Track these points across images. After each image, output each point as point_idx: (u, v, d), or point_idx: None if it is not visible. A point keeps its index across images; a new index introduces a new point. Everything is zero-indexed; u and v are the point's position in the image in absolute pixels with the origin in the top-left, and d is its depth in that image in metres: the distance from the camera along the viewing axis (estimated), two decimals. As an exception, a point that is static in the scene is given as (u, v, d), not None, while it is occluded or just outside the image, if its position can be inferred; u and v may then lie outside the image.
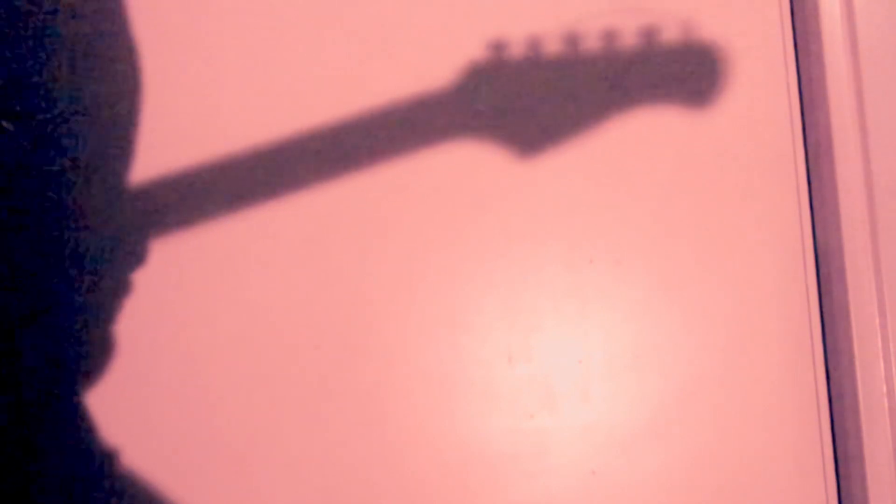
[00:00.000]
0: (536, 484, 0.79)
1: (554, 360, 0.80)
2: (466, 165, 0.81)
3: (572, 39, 0.80)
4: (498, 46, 0.81)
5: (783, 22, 0.83)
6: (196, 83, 0.81)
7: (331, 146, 0.81)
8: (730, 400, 0.80)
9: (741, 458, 0.79)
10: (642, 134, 0.81)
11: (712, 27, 0.82)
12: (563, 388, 0.80)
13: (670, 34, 0.81)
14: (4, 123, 0.81)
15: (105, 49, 0.81)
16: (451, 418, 0.79)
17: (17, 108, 0.80)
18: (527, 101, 0.81)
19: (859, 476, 0.77)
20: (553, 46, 0.81)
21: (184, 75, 0.81)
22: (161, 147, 0.81)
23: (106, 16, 0.81)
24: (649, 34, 0.81)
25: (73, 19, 0.81)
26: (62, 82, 0.81)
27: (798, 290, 0.81)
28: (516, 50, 0.81)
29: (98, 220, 0.80)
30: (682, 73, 0.81)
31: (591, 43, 0.81)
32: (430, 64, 0.81)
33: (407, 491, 0.79)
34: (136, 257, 0.80)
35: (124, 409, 0.79)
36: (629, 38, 0.81)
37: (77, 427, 0.78)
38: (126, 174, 0.81)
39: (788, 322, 0.80)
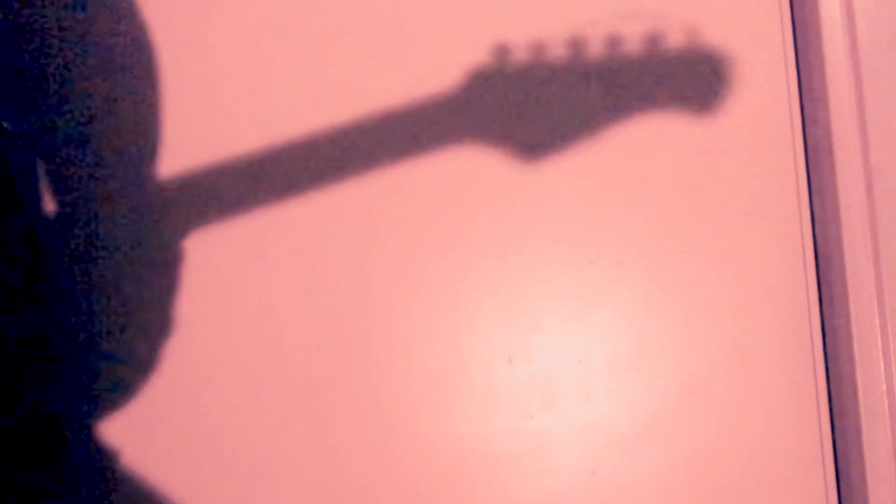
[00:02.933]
0: (536, 484, 0.79)
1: (554, 360, 0.80)
2: (467, 166, 0.81)
3: (576, 44, 0.80)
4: (502, 51, 0.81)
5: (783, 22, 0.83)
6: (201, 87, 0.81)
7: (334, 148, 0.81)
8: (730, 400, 0.80)
9: (741, 458, 0.79)
10: (643, 135, 0.81)
11: (713, 29, 0.82)
12: (563, 388, 0.80)
13: (672, 38, 0.81)
14: (4, 124, 0.81)
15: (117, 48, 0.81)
16: (451, 418, 0.79)
17: (24, 110, 0.81)
18: (530, 105, 0.81)
19: (859, 476, 0.77)
20: (557, 51, 0.80)
21: (186, 79, 0.81)
22: (163, 150, 0.81)
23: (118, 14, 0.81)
24: (652, 39, 0.81)
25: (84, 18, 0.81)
26: (75, 83, 0.81)
27: (798, 290, 0.81)
28: (520, 54, 0.81)
29: (102, 220, 0.80)
30: (683, 74, 0.81)
31: (594, 48, 0.81)
32: (435, 68, 0.81)
33: (407, 491, 0.79)
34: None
35: (125, 409, 0.79)
36: (630, 42, 0.81)
37: (78, 428, 0.78)
38: (131, 177, 0.81)
39: (788, 322, 0.80)
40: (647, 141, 0.81)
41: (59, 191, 0.81)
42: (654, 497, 0.79)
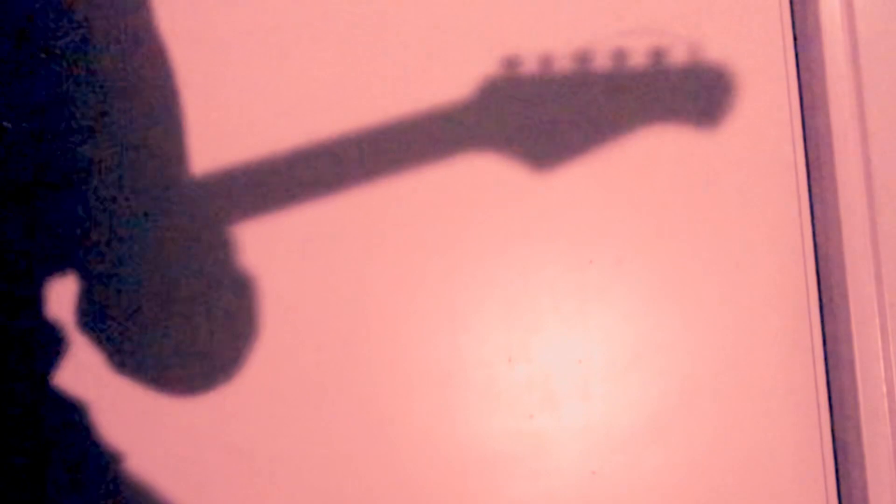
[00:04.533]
0: (536, 484, 0.79)
1: (554, 360, 0.80)
2: (469, 169, 0.81)
3: (582, 57, 0.80)
4: (511, 63, 0.81)
5: (783, 23, 0.83)
6: (209, 94, 0.81)
7: (343, 156, 0.81)
8: (730, 400, 0.80)
9: (741, 458, 0.79)
10: (643, 135, 0.81)
11: (714, 30, 0.82)
12: (563, 388, 0.80)
13: (674, 41, 0.81)
14: (5, 123, 0.81)
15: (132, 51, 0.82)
16: (451, 418, 0.79)
17: (29, 112, 0.81)
18: (535, 112, 0.81)
19: (859, 476, 0.77)
20: (564, 63, 0.81)
21: (194, 86, 0.81)
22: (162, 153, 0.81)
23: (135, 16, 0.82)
24: (650, 47, 0.81)
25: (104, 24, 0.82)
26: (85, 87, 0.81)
27: (798, 290, 0.81)
28: (529, 66, 0.81)
29: (103, 222, 0.80)
30: (685, 76, 0.81)
31: (600, 61, 0.81)
32: (446, 78, 0.81)
33: (407, 491, 0.79)
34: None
35: (128, 412, 0.79)
36: (633, 53, 0.81)
37: (81, 431, 0.79)
38: (133, 178, 0.81)
39: (788, 322, 0.80)
40: (647, 141, 0.81)
41: (68, 188, 0.81)
42: (654, 497, 0.79)
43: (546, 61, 0.81)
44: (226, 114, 0.81)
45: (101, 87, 0.81)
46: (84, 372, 0.79)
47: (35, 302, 0.79)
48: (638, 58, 0.81)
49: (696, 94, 0.82)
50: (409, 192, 0.81)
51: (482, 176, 0.81)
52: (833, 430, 0.80)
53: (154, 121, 0.81)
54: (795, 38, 0.83)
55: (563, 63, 0.81)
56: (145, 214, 0.80)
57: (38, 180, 0.80)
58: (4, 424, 0.79)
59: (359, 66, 0.82)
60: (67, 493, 0.78)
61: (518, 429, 0.79)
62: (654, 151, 0.81)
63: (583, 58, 0.80)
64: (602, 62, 0.81)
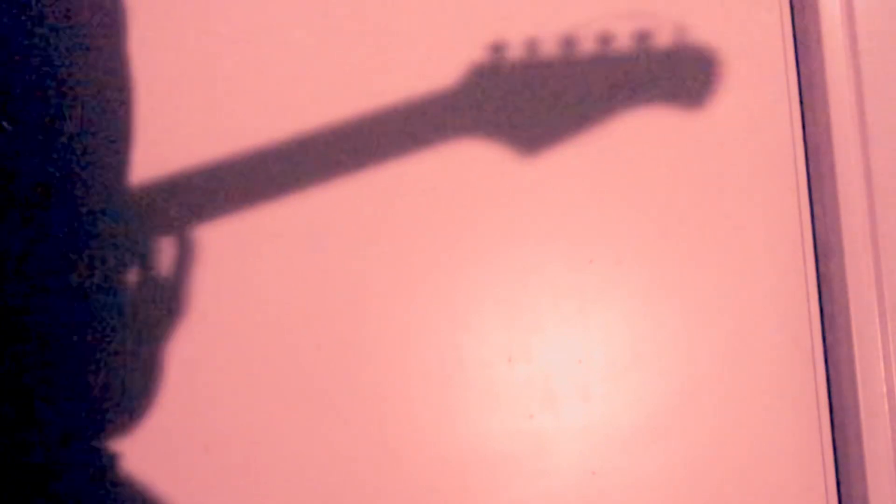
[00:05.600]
0: (536, 484, 0.79)
1: (554, 360, 0.80)
2: (466, 165, 0.81)
3: (569, 42, 0.80)
4: (497, 48, 0.81)
5: (783, 22, 0.83)
6: (199, 84, 0.81)
7: (332, 146, 0.81)
8: (730, 400, 0.80)
9: (741, 458, 0.79)
10: (643, 134, 0.81)
11: (714, 30, 0.82)
12: (563, 388, 0.80)
13: (675, 40, 0.81)
14: (5, 124, 0.81)
15: (101, 56, 0.82)
16: (451, 418, 0.79)
17: (19, 109, 0.81)
18: (526, 102, 0.81)
19: (859, 476, 0.77)
20: (551, 49, 0.81)
21: (187, 76, 0.82)
22: (162, 148, 0.81)
23: (105, 23, 0.82)
24: (644, 37, 0.81)
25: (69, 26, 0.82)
26: (63, 86, 0.81)
27: (798, 290, 0.81)
28: (515, 52, 0.81)
29: (98, 221, 0.80)
30: (683, 75, 0.81)
31: (588, 46, 0.81)
32: (432, 65, 0.81)
33: (407, 491, 0.79)
34: (138, 258, 0.80)
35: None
36: (624, 41, 0.81)
37: (78, 430, 0.79)
38: (127, 175, 0.81)
39: (788, 322, 0.80)
40: (647, 141, 0.81)
41: (59, 189, 0.81)
42: (654, 497, 0.79)
43: (532, 46, 0.80)
44: (212, 107, 0.81)
45: (94, 90, 0.81)
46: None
47: (31, 301, 0.79)
48: (632, 43, 0.81)
49: (694, 85, 0.81)
50: (409, 191, 0.81)
51: (481, 175, 0.81)
52: (833, 430, 0.80)
53: (117, 122, 0.81)
54: (795, 38, 0.83)
55: (550, 48, 0.81)
56: (103, 212, 0.80)
57: (36, 181, 0.81)
58: (2, 425, 0.79)
59: (344, 55, 0.82)
60: (63, 492, 0.78)
61: (518, 429, 0.79)
62: (654, 151, 0.81)
63: (570, 42, 0.80)
64: (589, 46, 0.81)
